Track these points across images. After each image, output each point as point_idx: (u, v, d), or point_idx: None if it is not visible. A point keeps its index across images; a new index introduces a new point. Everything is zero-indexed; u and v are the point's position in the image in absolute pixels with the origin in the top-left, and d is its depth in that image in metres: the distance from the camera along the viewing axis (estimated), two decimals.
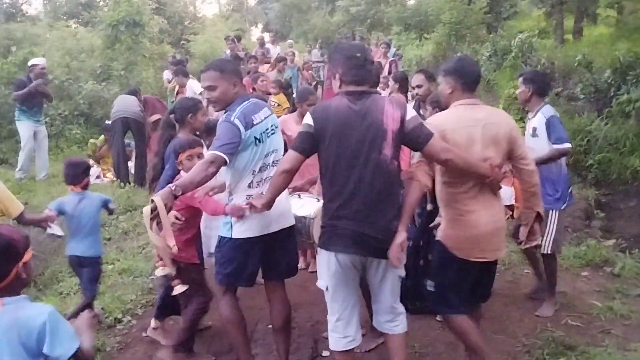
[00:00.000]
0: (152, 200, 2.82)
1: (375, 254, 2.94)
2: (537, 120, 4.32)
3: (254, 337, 4.13)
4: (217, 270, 3.40)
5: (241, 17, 34.79)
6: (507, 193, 5.57)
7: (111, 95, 12.51)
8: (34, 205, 6.87)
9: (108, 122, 9.45)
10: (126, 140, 9.18)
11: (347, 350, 3.08)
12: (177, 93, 9.62)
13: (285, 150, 3.19)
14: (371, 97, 2.91)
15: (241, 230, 3.25)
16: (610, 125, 7.32)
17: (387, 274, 3.01)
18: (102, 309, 4.57)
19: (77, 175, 4.28)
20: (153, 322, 4.14)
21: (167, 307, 4.06)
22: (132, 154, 9.34)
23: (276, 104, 7.83)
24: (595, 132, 7.38)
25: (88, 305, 4.13)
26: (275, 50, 16.06)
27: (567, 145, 4.27)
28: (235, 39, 13.57)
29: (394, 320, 3.15)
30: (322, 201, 3.21)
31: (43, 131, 9.25)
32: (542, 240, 4.18)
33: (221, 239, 3.36)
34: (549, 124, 4.24)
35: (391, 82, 6.95)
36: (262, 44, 15.38)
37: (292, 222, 3.47)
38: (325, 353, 3.91)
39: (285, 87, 8.71)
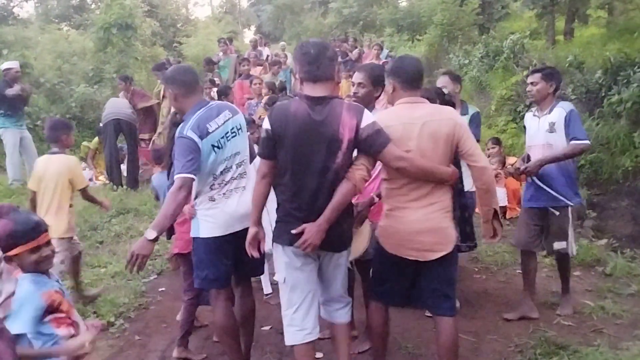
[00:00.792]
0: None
1: (329, 249, 3.02)
2: (557, 114, 4.18)
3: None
4: (195, 274, 3.43)
5: (234, 20, 34.81)
6: (500, 194, 5.59)
7: (103, 98, 12.49)
8: (27, 210, 6.84)
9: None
10: (119, 144, 9.16)
11: (306, 344, 3.06)
12: (163, 96, 9.59)
13: None
14: (330, 103, 2.89)
15: (209, 229, 3.31)
16: (601, 125, 7.37)
17: (338, 266, 3.12)
18: (95, 312, 4.56)
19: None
20: (176, 352, 3.98)
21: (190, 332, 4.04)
22: (124, 157, 9.32)
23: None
24: (587, 133, 7.42)
25: None
26: (265, 52, 16.06)
27: (587, 141, 4.16)
28: (227, 41, 13.54)
29: (343, 309, 3.23)
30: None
31: (28, 136, 9.14)
32: (566, 244, 4.22)
33: (193, 240, 3.42)
34: (570, 119, 4.14)
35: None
36: (254, 46, 15.38)
37: (238, 228, 3.38)
38: (318, 355, 3.91)
39: (280, 90, 8.71)
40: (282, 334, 4.09)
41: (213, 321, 3.59)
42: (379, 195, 3.48)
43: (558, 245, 4.25)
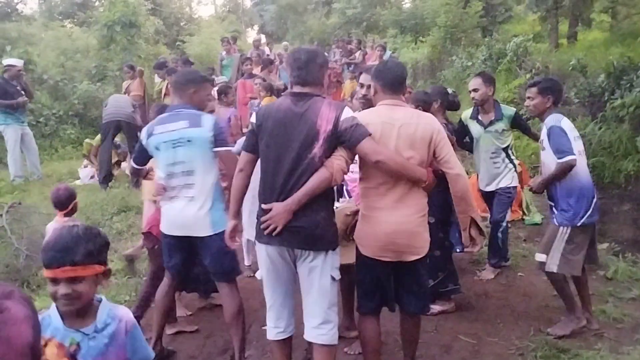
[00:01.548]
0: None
1: (302, 246, 2.97)
2: (544, 131, 4.04)
3: (248, 338, 4.12)
4: None
5: (237, 19, 34.83)
6: None
7: (106, 95, 12.48)
8: (28, 205, 6.85)
9: None
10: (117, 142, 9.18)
11: (280, 341, 3.19)
12: (165, 95, 9.64)
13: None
14: (312, 99, 2.99)
15: (162, 221, 3.68)
16: (604, 129, 7.35)
17: (314, 272, 3.00)
18: None
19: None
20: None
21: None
22: (126, 155, 9.32)
23: None
24: (590, 136, 7.40)
25: None
26: (266, 52, 16.09)
27: (570, 157, 3.84)
28: (230, 40, 13.56)
29: (321, 328, 3.05)
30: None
31: (29, 132, 9.20)
32: (545, 258, 4.00)
33: None
34: (549, 135, 3.94)
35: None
36: (257, 45, 15.39)
37: (203, 233, 3.51)
38: None
39: (283, 90, 8.68)
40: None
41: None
42: None
43: (539, 256, 4.10)
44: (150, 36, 17.68)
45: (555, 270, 3.98)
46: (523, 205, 6.85)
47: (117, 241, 6.45)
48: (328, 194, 3.05)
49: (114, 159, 9.20)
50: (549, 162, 4.00)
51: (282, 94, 3.30)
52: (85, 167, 9.39)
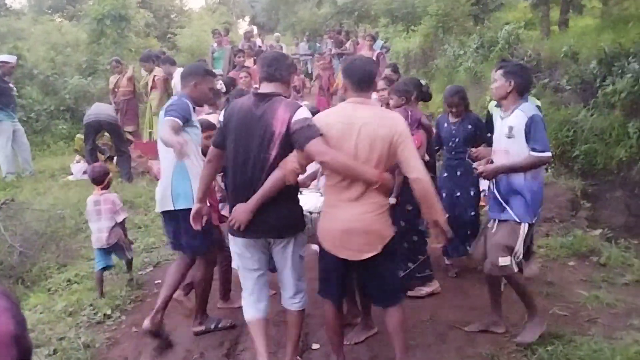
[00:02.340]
0: None
1: (274, 235, 3.27)
2: (515, 118, 3.68)
3: (246, 330, 4.13)
4: None
5: (228, 10, 34.64)
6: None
7: (97, 89, 12.45)
8: (21, 202, 6.83)
9: None
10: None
11: (256, 320, 3.47)
12: (152, 88, 9.60)
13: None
14: (272, 100, 3.16)
15: None
16: (596, 115, 7.38)
17: (287, 253, 3.32)
18: (91, 305, 4.56)
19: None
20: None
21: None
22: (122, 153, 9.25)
23: None
24: (581, 123, 7.43)
25: None
26: (257, 43, 16.03)
27: (548, 154, 3.66)
28: (222, 32, 13.51)
29: (294, 297, 3.43)
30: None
31: (20, 128, 9.17)
32: (510, 259, 3.68)
33: None
34: (531, 126, 3.63)
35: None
36: (249, 37, 15.33)
37: (170, 207, 3.78)
38: (315, 346, 3.94)
39: None
40: (277, 326, 4.15)
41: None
42: None
43: (502, 260, 3.70)
44: (141, 29, 17.56)
45: (516, 270, 3.72)
46: None
47: None
48: (291, 189, 3.23)
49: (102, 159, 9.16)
50: (516, 151, 3.69)
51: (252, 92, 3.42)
52: (78, 162, 9.34)
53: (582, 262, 5.30)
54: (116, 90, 10.16)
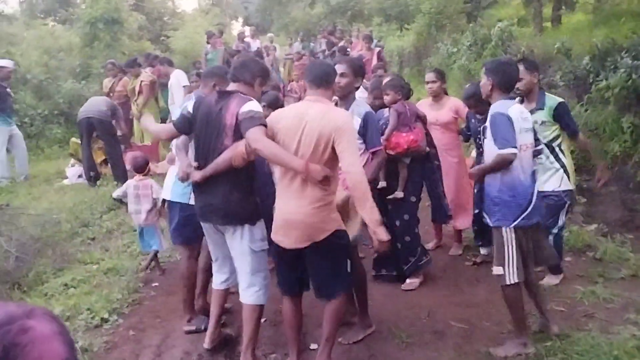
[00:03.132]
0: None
1: (221, 222, 3.54)
2: (489, 117, 3.66)
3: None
4: None
5: (221, 12, 34.50)
6: None
7: (91, 93, 12.38)
8: (16, 207, 6.81)
9: None
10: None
11: (215, 290, 3.87)
12: (139, 92, 9.59)
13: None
14: (231, 97, 3.46)
15: None
16: (590, 111, 7.38)
17: (235, 244, 3.55)
18: (88, 309, 4.55)
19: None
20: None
21: None
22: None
23: None
24: (576, 119, 7.42)
25: None
26: (255, 45, 16.00)
27: (509, 150, 3.47)
28: (217, 34, 13.52)
29: (247, 290, 3.59)
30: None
31: (18, 132, 9.14)
32: (501, 269, 3.59)
33: None
34: (491, 123, 3.58)
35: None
36: (242, 38, 15.31)
37: (167, 197, 4.26)
38: (313, 346, 3.93)
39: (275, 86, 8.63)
40: (275, 325, 4.15)
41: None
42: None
43: (496, 270, 3.66)
44: (134, 32, 17.54)
45: (515, 280, 3.57)
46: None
47: (108, 240, 6.43)
48: (241, 178, 3.46)
49: (101, 158, 9.13)
50: (490, 152, 3.65)
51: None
52: (73, 166, 9.31)
53: (578, 257, 5.31)
54: (111, 94, 10.11)
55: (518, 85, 4.32)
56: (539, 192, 4.08)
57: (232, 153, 3.34)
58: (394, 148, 4.65)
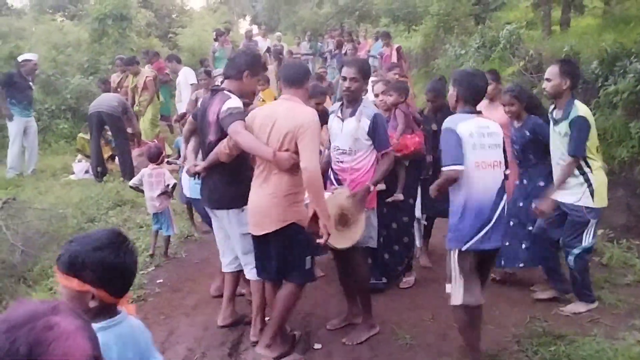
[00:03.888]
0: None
1: (210, 206, 3.95)
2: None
3: (249, 330, 4.13)
4: None
5: (229, 10, 34.63)
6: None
7: (99, 89, 12.41)
8: (23, 201, 6.83)
9: None
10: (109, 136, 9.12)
11: (227, 273, 4.20)
12: (143, 89, 9.61)
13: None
14: (217, 95, 3.75)
15: None
16: (597, 115, 7.34)
17: (224, 224, 3.94)
18: None
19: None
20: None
21: None
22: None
23: (261, 99, 7.73)
24: None
25: None
26: (264, 44, 16.00)
27: (450, 167, 3.30)
28: (224, 32, 13.54)
29: (246, 268, 3.97)
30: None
31: (33, 125, 9.20)
32: (450, 287, 3.45)
33: None
34: (440, 138, 3.46)
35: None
36: (250, 37, 15.32)
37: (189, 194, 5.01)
38: (317, 346, 3.94)
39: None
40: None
41: None
42: (375, 184, 3.84)
43: (447, 287, 3.49)
44: (142, 29, 17.56)
45: (460, 302, 3.39)
46: None
47: None
48: (227, 169, 3.74)
49: (108, 154, 9.15)
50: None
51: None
52: (79, 161, 9.33)
53: None
54: (119, 89, 10.14)
55: (545, 85, 4.22)
56: (561, 202, 4.08)
57: (218, 150, 3.69)
58: (401, 150, 4.65)
